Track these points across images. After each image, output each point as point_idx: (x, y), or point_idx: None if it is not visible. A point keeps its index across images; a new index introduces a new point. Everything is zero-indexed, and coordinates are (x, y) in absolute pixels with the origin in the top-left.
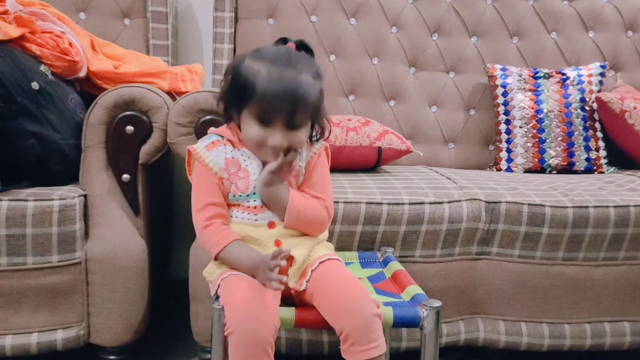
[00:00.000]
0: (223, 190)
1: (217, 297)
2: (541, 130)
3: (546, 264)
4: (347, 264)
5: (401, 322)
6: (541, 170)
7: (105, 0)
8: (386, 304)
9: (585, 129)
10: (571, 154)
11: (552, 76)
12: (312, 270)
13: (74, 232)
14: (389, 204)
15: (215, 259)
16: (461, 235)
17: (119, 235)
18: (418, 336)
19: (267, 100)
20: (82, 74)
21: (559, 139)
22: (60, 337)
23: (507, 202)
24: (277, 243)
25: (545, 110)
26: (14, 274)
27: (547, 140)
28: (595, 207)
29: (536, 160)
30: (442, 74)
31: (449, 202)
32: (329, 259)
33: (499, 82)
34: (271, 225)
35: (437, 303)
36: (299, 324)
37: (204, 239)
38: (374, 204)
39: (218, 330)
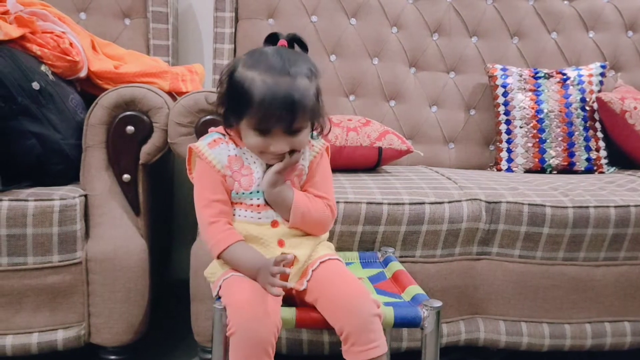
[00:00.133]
0: (226, 188)
1: (219, 298)
2: (541, 131)
3: (547, 264)
4: (347, 264)
5: (402, 322)
6: (541, 170)
7: (105, 0)
8: (387, 304)
9: (586, 129)
10: (571, 154)
11: (552, 76)
12: (312, 270)
13: (75, 232)
14: (389, 204)
15: (218, 257)
16: (461, 235)
17: (119, 235)
18: (419, 336)
19: (264, 112)
20: (83, 74)
21: (560, 139)
22: (60, 337)
23: (507, 202)
24: (281, 243)
25: (545, 110)
26: (15, 274)
27: (548, 141)
28: (595, 207)
29: (536, 160)
30: (442, 74)
31: (450, 202)
32: (329, 259)
33: (499, 82)
34: (274, 224)
35: (438, 303)
36: (299, 324)
37: (208, 236)
38: (375, 204)
39: (219, 330)
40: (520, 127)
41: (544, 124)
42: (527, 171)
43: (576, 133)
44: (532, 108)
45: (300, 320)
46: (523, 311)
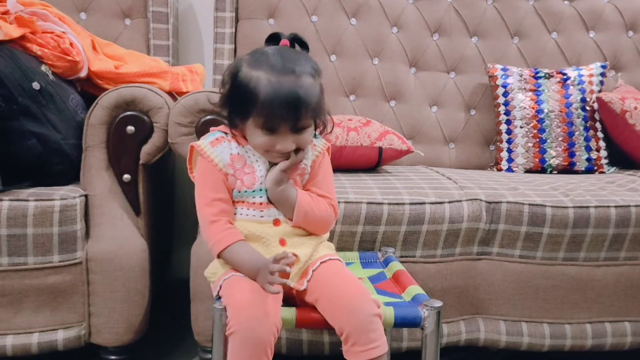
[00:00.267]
0: (228, 186)
1: (219, 298)
2: (542, 131)
3: (547, 264)
4: (348, 264)
5: (402, 322)
6: (542, 170)
7: (106, 0)
8: (387, 304)
9: (586, 129)
10: (572, 154)
11: (552, 76)
12: (313, 270)
13: (75, 232)
14: (389, 204)
15: (218, 256)
16: (462, 235)
17: (119, 235)
18: (419, 336)
19: (271, 111)
20: (83, 74)
21: (560, 139)
22: (61, 337)
23: (507, 202)
24: (282, 242)
25: (546, 110)
26: (15, 274)
27: (548, 141)
28: (596, 207)
29: (537, 160)
30: (442, 74)
31: (450, 202)
32: (330, 259)
33: (499, 82)
34: (276, 222)
35: (438, 303)
36: (299, 324)
37: (209, 235)
38: (375, 204)
39: (219, 330)
40: (521, 127)
41: (544, 124)
42: (528, 171)
43: (576, 133)
44: (533, 108)
45: (300, 320)
46: (523, 311)
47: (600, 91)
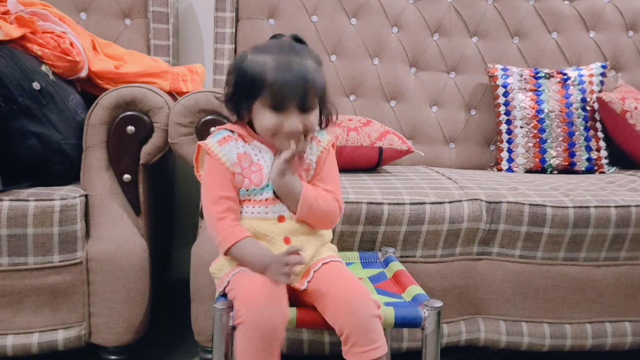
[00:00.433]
0: (234, 185)
1: (222, 295)
2: (542, 131)
3: (547, 264)
4: (348, 264)
5: (402, 323)
6: (542, 170)
7: (106, 0)
8: (387, 304)
9: (586, 129)
10: (572, 154)
11: (553, 76)
12: (314, 271)
13: (75, 232)
14: (389, 204)
15: (226, 253)
16: (462, 235)
17: (120, 235)
18: (419, 336)
19: (279, 86)
20: (83, 74)
21: (560, 139)
22: (61, 337)
23: (508, 202)
24: (287, 240)
25: (546, 110)
26: (15, 274)
27: (548, 141)
28: (596, 207)
29: (537, 160)
30: (442, 74)
31: (450, 202)
32: (331, 261)
33: (499, 82)
34: (281, 219)
35: (438, 303)
36: (300, 324)
37: (216, 232)
38: (375, 204)
39: (219, 330)
40: (521, 127)
41: (544, 124)
42: (528, 171)
43: (577, 133)
44: (533, 108)
45: (300, 320)
46: (523, 311)
47: (600, 91)
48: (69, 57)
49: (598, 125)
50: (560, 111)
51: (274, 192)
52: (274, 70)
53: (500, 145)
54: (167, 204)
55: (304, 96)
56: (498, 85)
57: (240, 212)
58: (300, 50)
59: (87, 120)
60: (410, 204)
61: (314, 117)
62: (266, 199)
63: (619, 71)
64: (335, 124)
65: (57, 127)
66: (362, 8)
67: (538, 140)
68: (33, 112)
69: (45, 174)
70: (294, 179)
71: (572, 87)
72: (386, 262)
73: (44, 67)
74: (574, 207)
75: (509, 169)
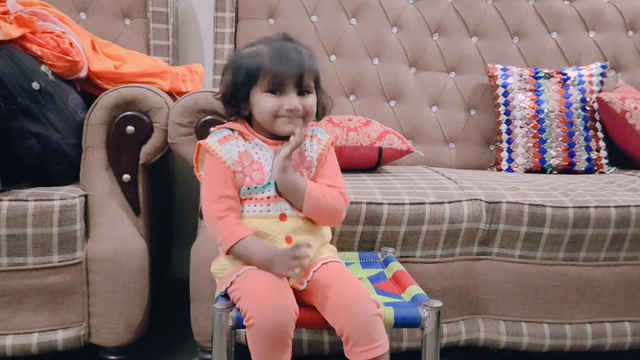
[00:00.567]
0: (235, 184)
1: (222, 296)
2: (542, 131)
3: (547, 264)
4: (347, 264)
5: (402, 323)
6: (542, 170)
7: (105, 0)
8: (387, 304)
9: (586, 129)
10: (572, 154)
11: (552, 76)
12: (314, 271)
13: (75, 232)
14: (389, 204)
15: (227, 253)
16: (462, 235)
17: (119, 235)
18: (419, 336)
19: (276, 68)
20: (83, 74)
21: (560, 139)
22: (60, 337)
23: (507, 203)
24: (288, 239)
25: (546, 111)
26: (15, 274)
27: (548, 141)
28: (596, 207)
29: (537, 160)
30: (442, 74)
31: (450, 202)
32: (331, 261)
33: (499, 82)
34: (282, 217)
35: (438, 303)
36: (299, 324)
37: (218, 231)
38: (375, 204)
39: (219, 330)
40: (521, 127)
41: (544, 124)
42: (528, 171)
43: (576, 133)
44: (533, 108)
45: (300, 320)
46: (523, 311)
47: (600, 91)
48: (68, 57)
49: (598, 125)
50: (560, 111)
51: (276, 190)
52: (269, 55)
53: (500, 145)
54: (167, 204)
55: (301, 75)
56: (498, 85)
57: (242, 211)
58: (292, 39)
59: (87, 120)
60: (410, 204)
61: (311, 99)
62: (267, 197)
63: (618, 71)
64: (335, 124)
65: (57, 127)
66: (361, 8)
67: (538, 140)
68: (32, 112)
69: (45, 174)
70: (297, 176)
71: (571, 87)
72: (386, 262)
73: (43, 67)
74: (574, 207)
75: (509, 169)
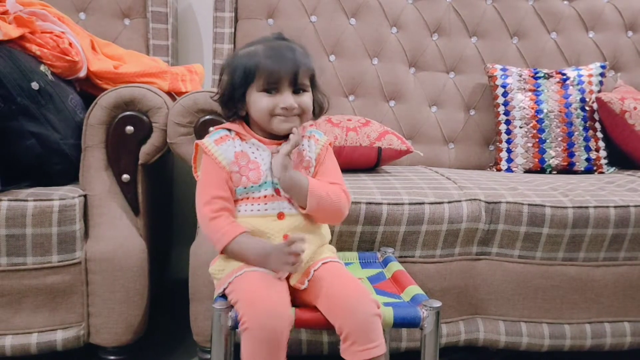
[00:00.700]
0: (231, 186)
1: (221, 296)
2: (541, 131)
3: (546, 264)
4: (347, 264)
5: (401, 323)
6: (541, 170)
7: (105, 0)
8: (386, 304)
9: (586, 129)
10: (571, 154)
11: (552, 76)
12: (314, 270)
13: (74, 232)
14: (388, 204)
15: (222, 252)
16: (461, 235)
17: (118, 235)
18: (418, 336)
19: (271, 67)
20: (82, 74)
21: (559, 139)
22: (60, 337)
23: (507, 203)
24: (286, 238)
25: (545, 111)
26: (14, 274)
27: (547, 141)
28: (595, 207)
29: (536, 160)
30: (442, 74)
31: (449, 202)
32: (331, 261)
33: (499, 82)
34: (280, 216)
35: (437, 303)
36: (299, 324)
37: (211, 231)
38: (374, 204)
39: (218, 330)
40: (520, 127)
41: (543, 124)
42: (527, 171)
43: (576, 133)
44: (532, 108)
45: (299, 320)
46: (523, 311)
47: (599, 91)
48: (67, 57)
49: (597, 125)
50: (560, 111)
51: (274, 189)
52: (264, 55)
53: (500, 145)
54: (166, 204)
55: (295, 73)
56: (497, 86)
57: (239, 211)
58: (287, 39)
59: (86, 120)
60: (410, 204)
61: (307, 97)
62: (265, 196)
63: (618, 71)
64: (334, 124)
65: (56, 127)
66: (361, 8)
67: (537, 140)
68: (32, 112)
69: (44, 174)
70: (299, 174)
71: (571, 87)
72: (385, 262)
73: (42, 67)
74: (573, 207)
75: (508, 169)
